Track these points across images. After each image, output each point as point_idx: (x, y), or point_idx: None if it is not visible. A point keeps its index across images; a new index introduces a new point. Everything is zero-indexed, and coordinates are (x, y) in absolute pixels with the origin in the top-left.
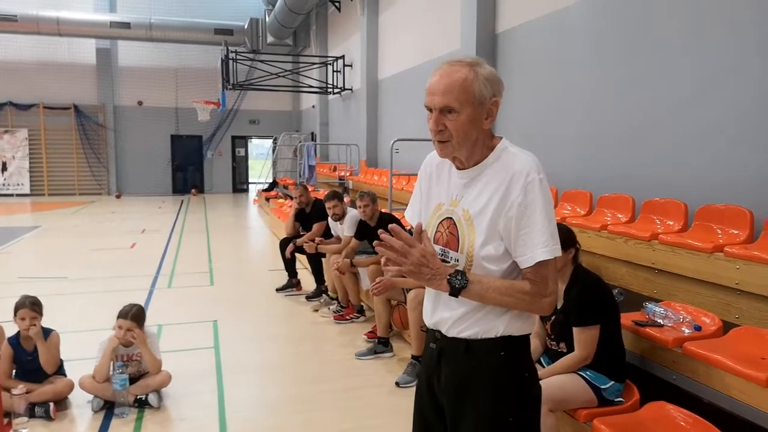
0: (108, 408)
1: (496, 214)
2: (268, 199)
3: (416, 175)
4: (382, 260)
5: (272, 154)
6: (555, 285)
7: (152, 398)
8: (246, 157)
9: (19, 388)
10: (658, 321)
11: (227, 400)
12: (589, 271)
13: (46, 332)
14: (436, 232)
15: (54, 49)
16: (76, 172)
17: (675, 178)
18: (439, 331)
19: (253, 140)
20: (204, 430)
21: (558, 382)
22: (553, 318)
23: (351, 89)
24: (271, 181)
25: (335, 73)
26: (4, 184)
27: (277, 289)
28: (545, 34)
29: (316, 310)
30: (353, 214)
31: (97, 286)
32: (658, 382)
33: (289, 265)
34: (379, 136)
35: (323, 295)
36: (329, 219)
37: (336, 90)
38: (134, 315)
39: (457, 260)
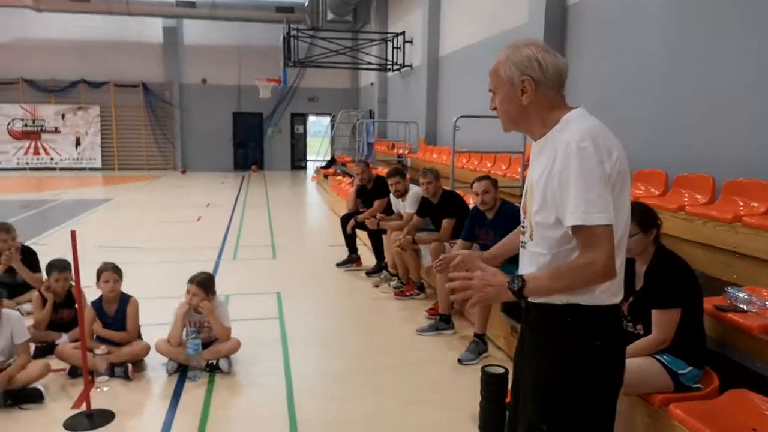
0: (181, 371)
1: (545, 184)
2: (326, 176)
3: (478, 152)
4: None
5: (330, 132)
6: (601, 253)
7: (223, 363)
8: (304, 135)
9: (101, 348)
10: (741, 306)
11: (293, 369)
12: (673, 253)
13: (126, 298)
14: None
15: (124, 29)
16: (144, 147)
17: (758, 158)
18: None
19: (311, 118)
20: (272, 397)
21: (633, 364)
22: (631, 299)
23: (411, 66)
24: (329, 158)
25: (395, 50)
26: (77, 159)
27: (338, 264)
28: (620, 5)
29: (377, 286)
30: (415, 191)
31: (167, 256)
32: (740, 369)
33: (350, 241)
34: (439, 114)
35: (383, 271)
36: (391, 195)
37: (395, 67)
38: (201, 281)
39: (525, 226)
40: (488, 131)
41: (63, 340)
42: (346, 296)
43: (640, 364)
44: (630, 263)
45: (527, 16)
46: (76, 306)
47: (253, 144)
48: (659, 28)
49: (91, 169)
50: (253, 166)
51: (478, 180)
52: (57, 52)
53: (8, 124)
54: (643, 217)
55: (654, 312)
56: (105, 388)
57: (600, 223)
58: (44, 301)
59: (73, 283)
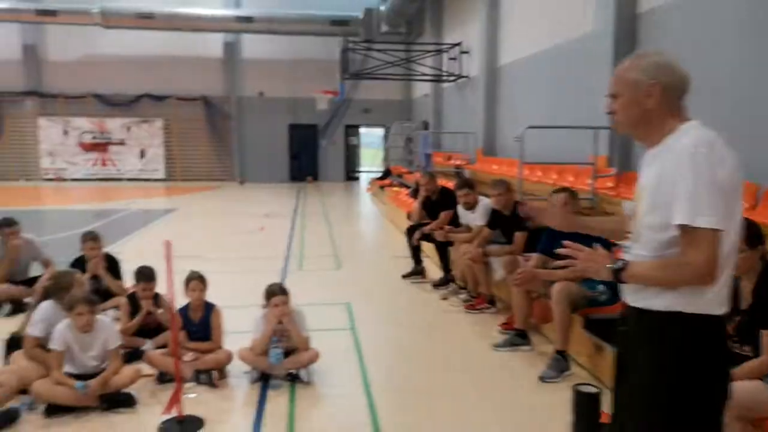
0: (263, 380)
1: (657, 186)
2: (382, 188)
3: (544, 164)
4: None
5: (384, 143)
6: (699, 256)
7: (303, 373)
8: (358, 146)
9: (189, 355)
10: None
11: (372, 381)
12: None
13: (210, 306)
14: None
15: (186, 44)
16: (204, 158)
17: None
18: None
19: (364, 129)
20: (355, 409)
21: (743, 388)
22: (738, 319)
23: (467, 76)
24: (383, 169)
25: (450, 61)
26: (142, 170)
27: (403, 276)
28: (696, 13)
29: (445, 299)
30: (485, 203)
31: (234, 266)
32: None
33: (415, 253)
34: (497, 124)
35: (451, 283)
36: (459, 207)
37: (451, 78)
38: (285, 291)
39: (631, 231)
40: (552, 142)
41: (148, 346)
42: (415, 308)
43: (750, 387)
44: (734, 281)
45: (593, 24)
46: (160, 312)
47: (307, 155)
48: (736, 38)
49: (154, 180)
50: (309, 177)
51: (556, 192)
52: (123, 68)
53: (78, 137)
54: (750, 233)
55: (763, 333)
56: (192, 395)
57: (705, 226)
58: (132, 307)
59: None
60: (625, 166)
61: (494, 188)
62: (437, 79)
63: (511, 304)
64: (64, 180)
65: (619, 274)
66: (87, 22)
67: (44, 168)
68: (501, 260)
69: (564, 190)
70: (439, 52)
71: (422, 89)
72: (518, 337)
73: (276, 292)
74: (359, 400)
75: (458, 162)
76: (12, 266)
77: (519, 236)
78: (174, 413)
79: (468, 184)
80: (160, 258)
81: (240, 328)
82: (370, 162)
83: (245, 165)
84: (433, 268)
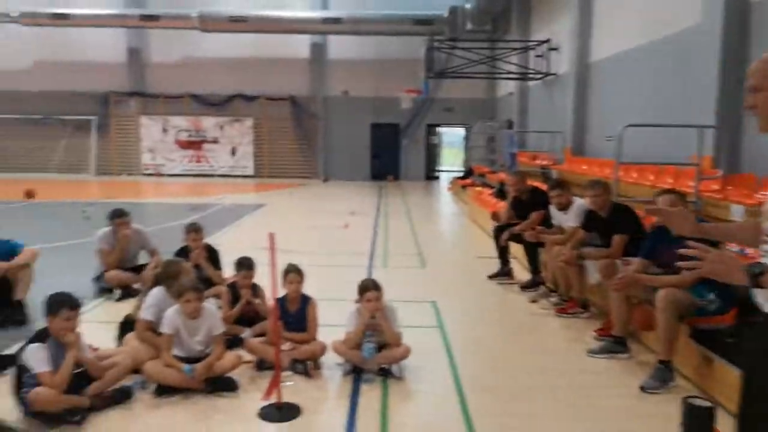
0: (355, 373)
1: None
2: (464, 187)
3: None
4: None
5: (466, 142)
6: None
7: (395, 369)
8: (439, 145)
9: (287, 345)
10: None
11: (463, 381)
12: None
13: (306, 298)
14: None
15: (275, 46)
16: (291, 156)
17: None
18: None
19: (444, 128)
20: (447, 408)
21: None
22: None
23: (555, 74)
24: (465, 169)
25: (537, 58)
26: (233, 167)
27: (489, 276)
28: None
29: (535, 301)
30: (579, 204)
31: (322, 260)
32: None
33: (503, 253)
34: (587, 123)
35: (540, 286)
36: (551, 208)
37: (538, 75)
38: (379, 287)
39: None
40: (649, 141)
41: (246, 334)
42: (503, 310)
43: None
44: None
45: (701, 17)
46: (257, 302)
47: (388, 154)
48: None
49: (244, 176)
50: (390, 176)
51: (663, 194)
52: (217, 69)
53: (175, 135)
54: None
55: None
56: (289, 383)
57: None
58: (232, 296)
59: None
60: (733, 168)
61: (591, 189)
62: (523, 77)
63: (607, 309)
64: (162, 175)
65: (757, 279)
66: (186, 26)
67: (145, 164)
68: (597, 264)
69: (671, 191)
70: (526, 49)
71: (506, 88)
72: (616, 344)
73: (369, 287)
74: (451, 399)
75: (544, 162)
76: (122, 254)
77: (618, 239)
78: (273, 400)
79: (561, 184)
80: (253, 250)
81: (328, 321)
82: (451, 161)
83: (329, 163)
84: (520, 270)
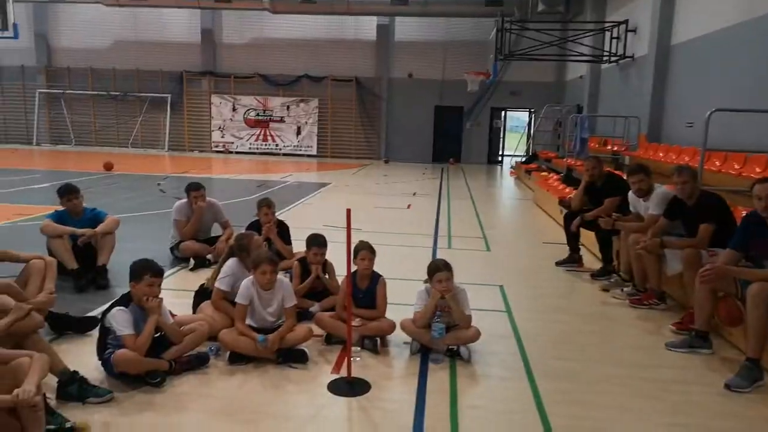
0: (422, 352)
1: None
2: (528, 172)
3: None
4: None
5: (533, 126)
6: None
7: (463, 351)
8: (502, 129)
9: (357, 321)
10: None
11: (533, 366)
12: None
13: (376, 276)
14: None
15: (343, 27)
16: (354, 137)
17: None
18: None
19: (509, 112)
20: (518, 393)
21: None
22: None
23: (632, 57)
24: (530, 154)
25: (613, 40)
26: (297, 146)
27: (558, 263)
28: None
29: (606, 290)
30: (662, 191)
31: (387, 240)
32: None
33: (573, 240)
34: (666, 108)
35: (613, 274)
36: (629, 194)
37: (613, 58)
38: (450, 267)
39: None
40: (734, 128)
41: (315, 309)
42: (573, 297)
43: None
44: None
45: None
46: (327, 277)
47: (451, 137)
48: None
49: (308, 155)
50: (451, 159)
51: (760, 182)
52: (286, 50)
53: (244, 114)
54: None
55: None
56: (357, 359)
57: None
58: (302, 271)
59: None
60: None
61: (678, 175)
62: (596, 59)
63: (687, 302)
64: (230, 152)
65: None
66: (257, 7)
67: (215, 141)
68: (679, 254)
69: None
70: (602, 31)
71: (577, 71)
72: (698, 339)
73: (440, 268)
74: (521, 385)
75: (616, 148)
76: (197, 226)
77: (704, 228)
78: (342, 374)
79: (643, 169)
80: (320, 228)
81: (395, 299)
82: (514, 146)
83: (391, 145)
84: (590, 258)
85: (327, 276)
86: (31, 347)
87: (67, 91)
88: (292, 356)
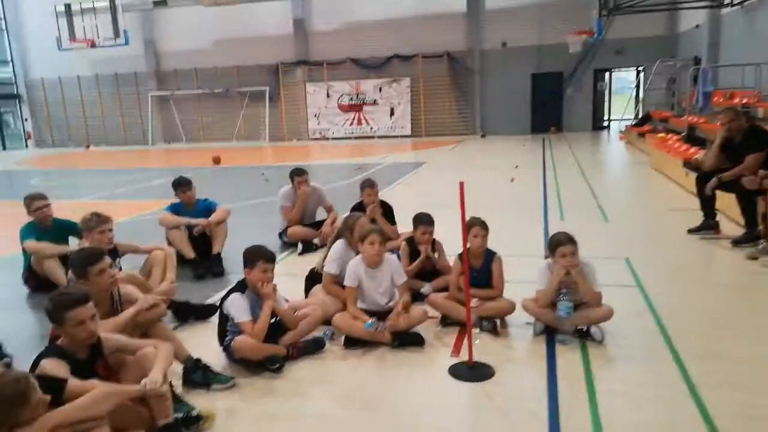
0: (547, 333)
1: None
2: (641, 135)
3: None
4: None
5: (642, 86)
6: None
7: (595, 331)
8: (607, 92)
9: (474, 301)
10: None
11: (678, 345)
12: None
13: (491, 253)
14: None
15: (430, 2)
16: (448, 114)
17: None
18: None
19: (615, 73)
20: (664, 374)
21: None
22: None
23: None
24: (641, 115)
25: None
26: (391, 127)
27: (690, 231)
28: None
29: (754, 258)
30: None
31: (492, 216)
32: None
33: (708, 204)
34: None
35: (760, 240)
36: None
37: (736, 1)
38: (573, 240)
39: None
40: None
41: (426, 290)
42: (713, 267)
43: None
44: None
45: None
46: (437, 256)
47: (551, 105)
48: None
49: (402, 136)
50: (552, 128)
51: None
52: (375, 32)
53: (338, 99)
54: None
55: None
56: (476, 341)
57: None
58: (410, 251)
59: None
60: None
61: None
62: (715, 4)
63: None
64: (327, 139)
65: None
66: None
67: (311, 129)
68: None
69: None
70: None
71: (691, 20)
72: None
73: (563, 242)
74: (666, 366)
75: (746, 100)
76: (302, 210)
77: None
78: (462, 358)
79: None
80: (422, 206)
81: (511, 277)
82: (621, 109)
83: (486, 118)
84: (728, 223)
85: (437, 255)
86: (156, 336)
87: (176, 92)
88: (408, 339)
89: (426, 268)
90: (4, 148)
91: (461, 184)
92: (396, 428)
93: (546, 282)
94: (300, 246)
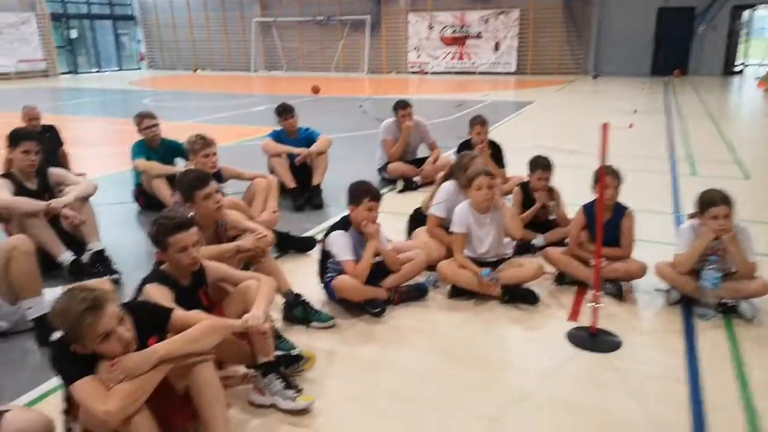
0: (682, 304)
1: None
2: None
3: None
4: None
5: None
6: None
7: (745, 307)
8: (746, 33)
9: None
10: None
11: None
12: None
13: (621, 208)
14: None
15: None
16: (558, 51)
17: None
18: None
19: (758, 11)
20: None
21: None
22: None
23: None
24: None
25: None
26: (494, 63)
27: None
28: None
29: None
30: None
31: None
32: None
33: None
34: None
35: None
36: None
37: None
38: (729, 200)
39: None
40: None
41: (539, 241)
42: None
43: None
44: None
45: None
46: (553, 204)
47: (677, 45)
48: None
49: (505, 73)
50: (676, 71)
51: None
52: None
53: (441, 31)
54: None
55: None
56: (598, 305)
57: None
58: (524, 198)
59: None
60: None
61: None
62: None
63: None
64: (426, 73)
65: None
66: None
67: (410, 62)
68: None
69: None
70: None
71: None
72: None
73: (717, 202)
74: None
75: None
76: (404, 146)
77: None
78: (580, 322)
79: None
80: (532, 149)
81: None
82: (760, 53)
83: (600, 57)
84: None
85: (554, 203)
86: (261, 268)
87: (278, 19)
88: (520, 295)
89: (540, 218)
90: (120, 68)
91: (605, 126)
92: (509, 394)
93: (688, 246)
94: (400, 183)
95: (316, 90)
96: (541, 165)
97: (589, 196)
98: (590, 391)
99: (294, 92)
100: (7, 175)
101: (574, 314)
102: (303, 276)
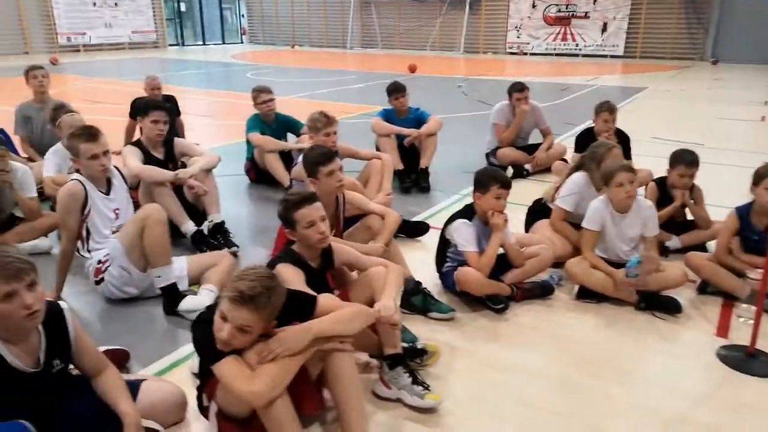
0: None
1: None
2: None
3: None
4: None
5: None
6: None
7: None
8: None
9: (755, 272)
10: None
11: None
12: None
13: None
14: None
15: None
16: (673, 33)
17: None
18: None
19: None
20: None
21: None
22: None
23: None
24: None
25: None
26: (600, 45)
27: None
28: None
29: None
30: None
31: (736, 160)
32: None
33: None
34: None
35: None
36: None
37: None
38: None
39: None
40: None
41: (674, 244)
42: None
43: None
44: None
45: None
46: (693, 203)
47: None
48: None
49: (612, 56)
50: None
51: None
52: None
53: (545, 10)
54: None
55: None
56: (750, 321)
57: None
58: (660, 195)
59: None
60: None
61: None
62: None
63: None
64: (525, 54)
65: None
66: None
67: (509, 42)
68: None
69: None
70: None
71: None
72: None
73: None
74: None
75: None
76: (517, 131)
77: None
78: (730, 340)
79: None
80: (644, 140)
81: None
82: None
83: (722, 41)
84: None
85: (694, 204)
86: (385, 253)
87: None
88: (659, 303)
89: (676, 218)
90: (224, 41)
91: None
92: (658, 416)
93: None
94: (510, 170)
95: (413, 68)
96: (685, 160)
97: (723, 197)
98: (759, 422)
99: (390, 70)
100: (136, 143)
101: (722, 329)
102: (418, 263)
